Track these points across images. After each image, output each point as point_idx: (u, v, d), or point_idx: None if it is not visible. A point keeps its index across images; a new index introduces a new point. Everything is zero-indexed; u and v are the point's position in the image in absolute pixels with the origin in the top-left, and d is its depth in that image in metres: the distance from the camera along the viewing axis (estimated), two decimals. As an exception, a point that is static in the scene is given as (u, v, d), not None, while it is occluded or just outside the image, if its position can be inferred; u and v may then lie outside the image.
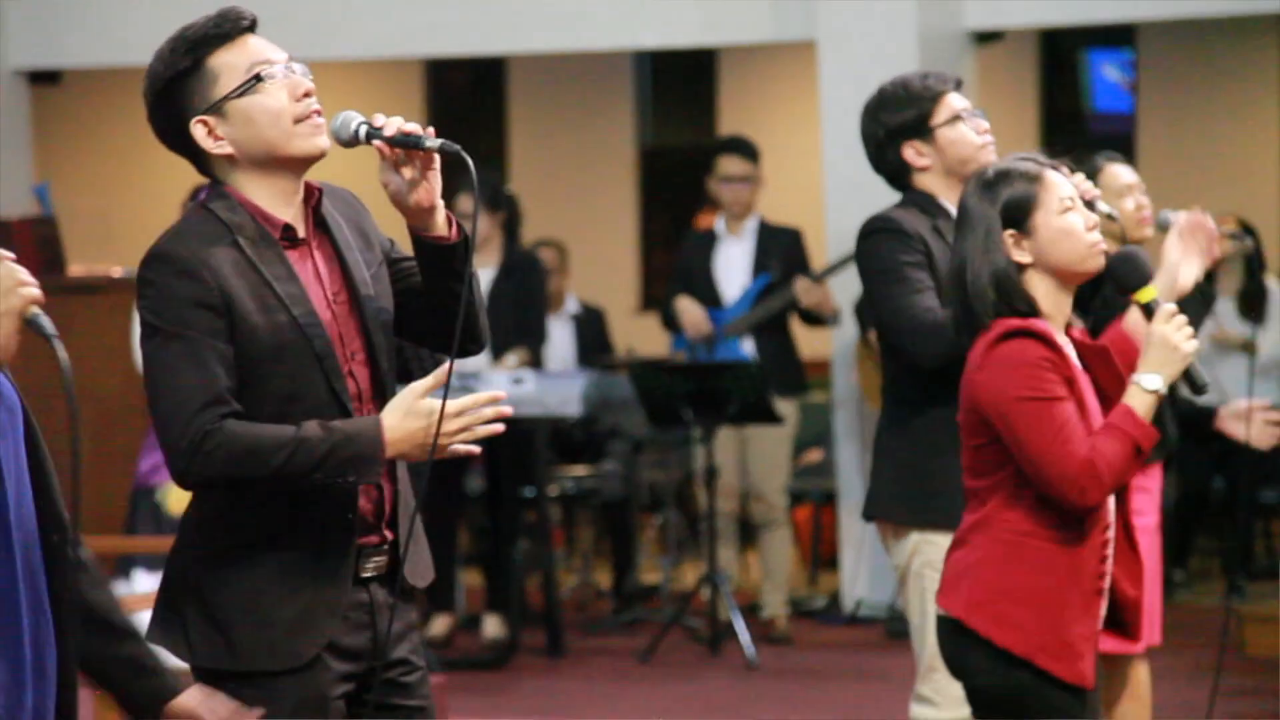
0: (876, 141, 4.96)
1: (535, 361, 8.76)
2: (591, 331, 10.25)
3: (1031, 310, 3.82)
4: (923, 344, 4.74)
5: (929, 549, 4.84)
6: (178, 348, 3.30)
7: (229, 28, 3.39)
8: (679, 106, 14.29)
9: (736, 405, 8.48)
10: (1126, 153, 12.89)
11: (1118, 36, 12.95)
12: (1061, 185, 3.86)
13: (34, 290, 2.80)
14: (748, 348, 9.01)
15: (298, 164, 3.42)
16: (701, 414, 8.54)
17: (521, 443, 8.65)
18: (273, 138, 3.37)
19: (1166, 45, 12.72)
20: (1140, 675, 5.33)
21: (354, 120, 3.41)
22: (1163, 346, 3.80)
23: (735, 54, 13.39)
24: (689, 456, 9.45)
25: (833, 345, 9.47)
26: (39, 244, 8.62)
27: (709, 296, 9.08)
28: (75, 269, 8.89)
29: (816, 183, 9.47)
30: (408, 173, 3.41)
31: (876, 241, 4.89)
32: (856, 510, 9.26)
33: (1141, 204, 5.42)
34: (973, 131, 4.93)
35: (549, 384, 8.57)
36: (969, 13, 9.30)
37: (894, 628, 8.90)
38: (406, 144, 3.38)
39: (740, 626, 8.42)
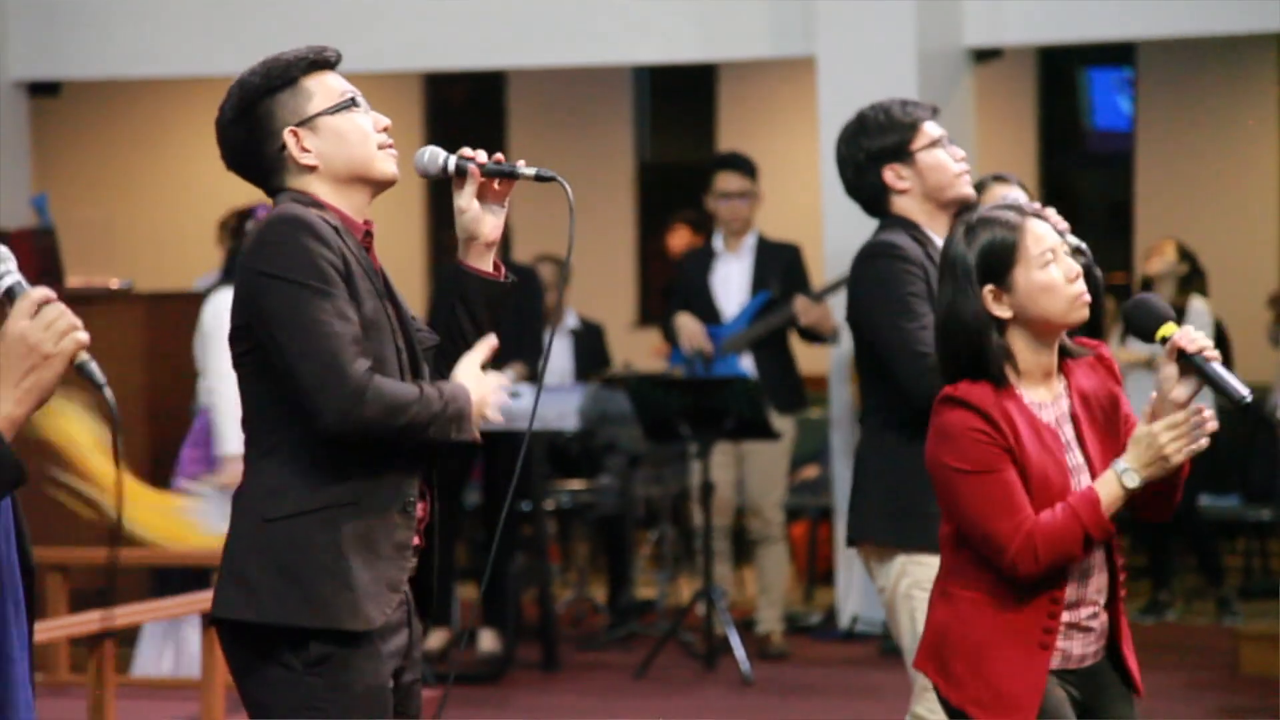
0: (856, 165, 4.99)
1: (532, 375, 8.76)
2: (590, 346, 10.25)
3: (999, 372, 3.77)
4: (923, 383, 4.75)
5: (916, 570, 4.85)
6: (322, 302, 3.45)
7: (324, 58, 3.65)
8: (678, 122, 14.30)
9: (733, 421, 8.48)
10: (1125, 170, 13.01)
11: (1117, 54, 12.97)
12: (1044, 236, 3.80)
13: (85, 335, 2.82)
14: (747, 364, 9.01)
15: (375, 185, 3.64)
16: (698, 429, 8.54)
17: (518, 457, 8.64)
18: (360, 155, 3.60)
19: (1165, 63, 12.73)
20: None
21: (441, 154, 3.68)
22: (1150, 448, 3.73)
23: (734, 69, 13.40)
24: (685, 472, 9.45)
25: (830, 361, 9.47)
26: (37, 255, 8.62)
27: (708, 313, 9.08)
28: (73, 280, 8.88)
29: (815, 199, 9.47)
30: (488, 199, 3.69)
31: (879, 267, 4.89)
32: (853, 526, 9.31)
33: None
34: (950, 159, 4.95)
35: (546, 398, 8.57)
36: (968, 30, 9.31)
37: (889, 644, 8.90)
38: (500, 172, 3.68)
39: (735, 642, 8.42)
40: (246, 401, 3.57)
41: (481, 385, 3.61)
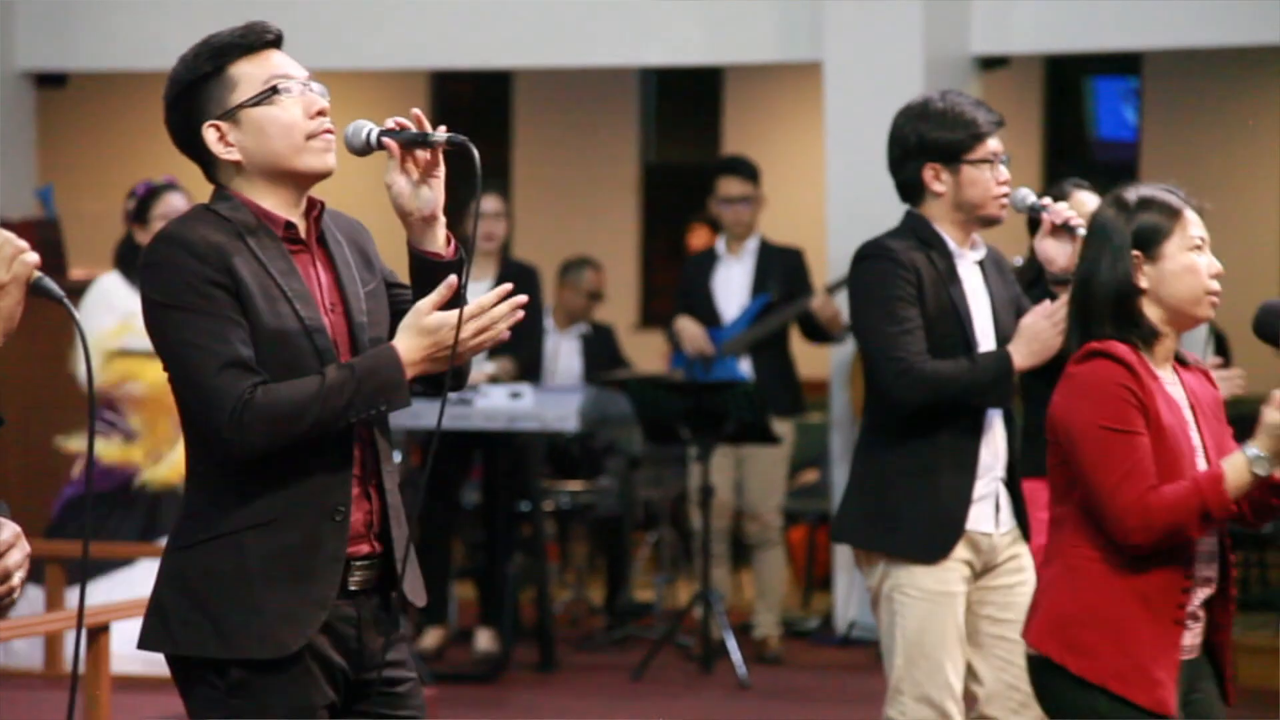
0: (905, 147, 4.94)
1: (524, 373, 8.75)
2: (601, 348, 10.23)
3: (1147, 331, 3.81)
4: (905, 389, 4.82)
5: (898, 573, 4.89)
6: (199, 323, 3.33)
7: (254, 39, 3.47)
8: (683, 124, 14.30)
9: (734, 424, 8.48)
10: (1129, 179, 12.95)
11: (1123, 64, 12.97)
12: (1195, 225, 3.87)
13: (34, 256, 2.84)
14: (745, 367, 9.01)
15: (303, 179, 3.47)
16: (699, 432, 8.54)
17: (518, 457, 8.67)
18: (281, 149, 3.43)
19: (1171, 74, 12.73)
20: None
21: (364, 127, 3.49)
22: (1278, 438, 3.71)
23: (741, 73, 13.40)
24: (685, 474, 9.45)
25: (830, 365, 9.47)
26: (41, 246, 8.55)
27: (708, 316, 9.09)
28: (77, 272, 8.89)
29: (819, 203, 9.47)
30: (412, 171, 3.47)
31: (870, 268, 4.90)
32: (851, 532, 9.31)
33: None
34: (994, 180, 4.93)
35: (546, 399, 8.57)
36: (975, 38, 9.31)
37: (886, 650, 8.91)
38: (414, 140, 3.46)
39: (732, 645, 8.42)
40: (180, 419, 3.48)
41: (424, 337, 3.39)
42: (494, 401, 8.42)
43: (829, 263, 9.20)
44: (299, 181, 3.46)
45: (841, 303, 8.97)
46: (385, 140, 3.46)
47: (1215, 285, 3.85)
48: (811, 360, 10.14)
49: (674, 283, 9.93)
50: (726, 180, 9.16)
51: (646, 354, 11.48)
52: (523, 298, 3.44)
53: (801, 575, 10.71)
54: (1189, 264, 3.83)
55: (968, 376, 4.84)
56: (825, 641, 9.35)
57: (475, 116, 14.13)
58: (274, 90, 3.44)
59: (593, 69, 11.85)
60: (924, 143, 4.90)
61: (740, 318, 9.05)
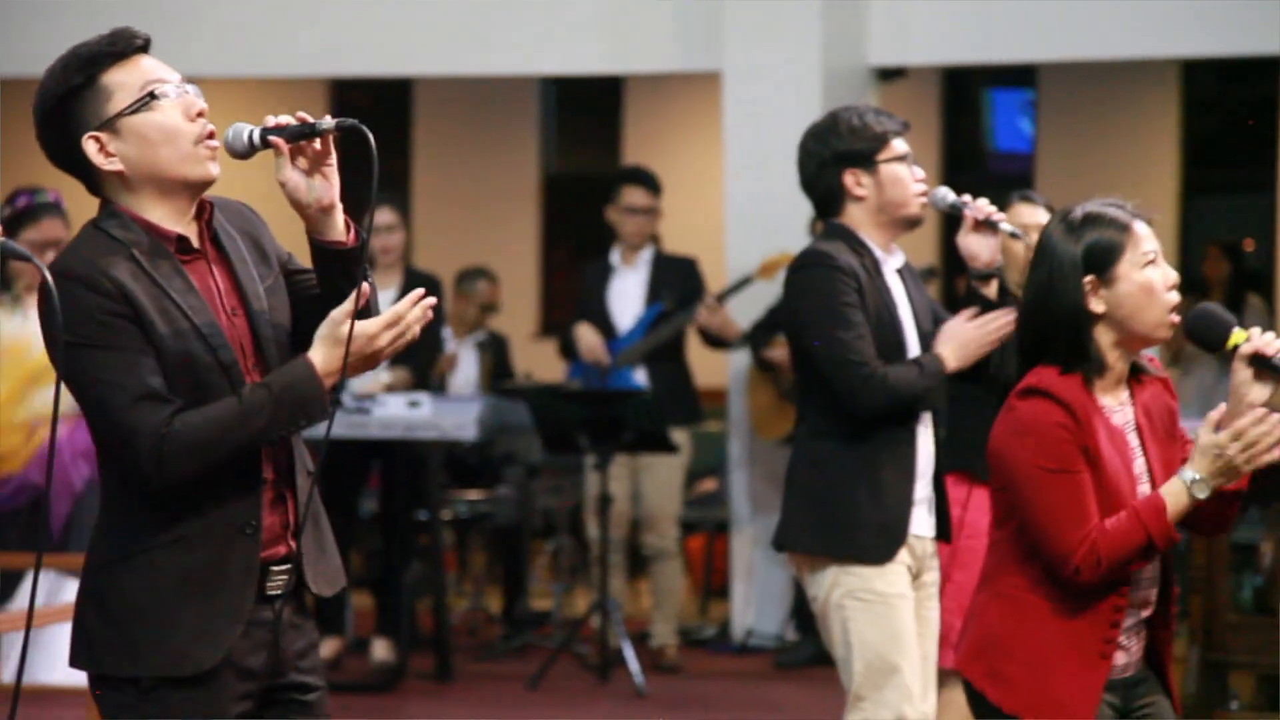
0: (819, 161, 4.98)
1: (420, 383, 8.73)
2: (495, 358, 10.23)
3: (1096, 363, 3.72)
4: (871, 396, 4.84)
5: (849, 580, 4.89)
6: (106, 358, 3.28)
7: (123, 46, 3.38)
8: (584, 134, 14.31)
9: (633, 433, 8.49)
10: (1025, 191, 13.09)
11: (1019, 76, 13.09)
12: (1147, 238, 3.76)
13: None
14: (641, 377, 9.02)
15: (191, 187, 3.40)
16: (597, 441, 8.54)
17: (416, 466, 8.64)
18: (167, 157, 3.36)
19: (1066, 86, 12.86)
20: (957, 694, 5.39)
21: (244, 129, 3.41)
22: (1219, 458, 3.66)
23: (641, 83, 13.43)
24: (583, 483, 9.45)
25: (728, 374, 9.50)
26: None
27: (603, 326, 9.09)
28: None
29: (718, 212, 9.50)
30: (304, 165, 3.41)
31: (812, 275, 4.92)
32: (748, 540, 9.36)
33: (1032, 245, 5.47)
34: (911, 178, 4.98)
35: (445, 407, 8.55)
36: (873, 50, 9.37)
37: (783, 659, 8.94)
38: (301, 133, 3.40)
39: (630, 654, 8.42)
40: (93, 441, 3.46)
41: (338, 345, 3.35)
42: (392, 410, 8.39)
43: (727, 272, 9.22)
44: (187, 189, 3.39)
45: (732, 310, 9.00)
46: (271, 138, 3.39)
47: (1175, 299, 3.75)
48: (709, 369, 10.17)
49: (574, 291, 9.93)
50: (629, 190, 9.16)
51: (546, 363, 11.48)
52: (433, 300, 3.41)
53: (699, 584, 10.73)
54: (1145, 283, 3.72)
55: (920, 380, 4.89)
56: (722, 650, 9.37)
57: (374, 125, 13.95)
58: (151, 95, 3.35)
59: (493, 78, 11.85)
60: (837, 153, 4.95)
61: (634, 328, 9.06)
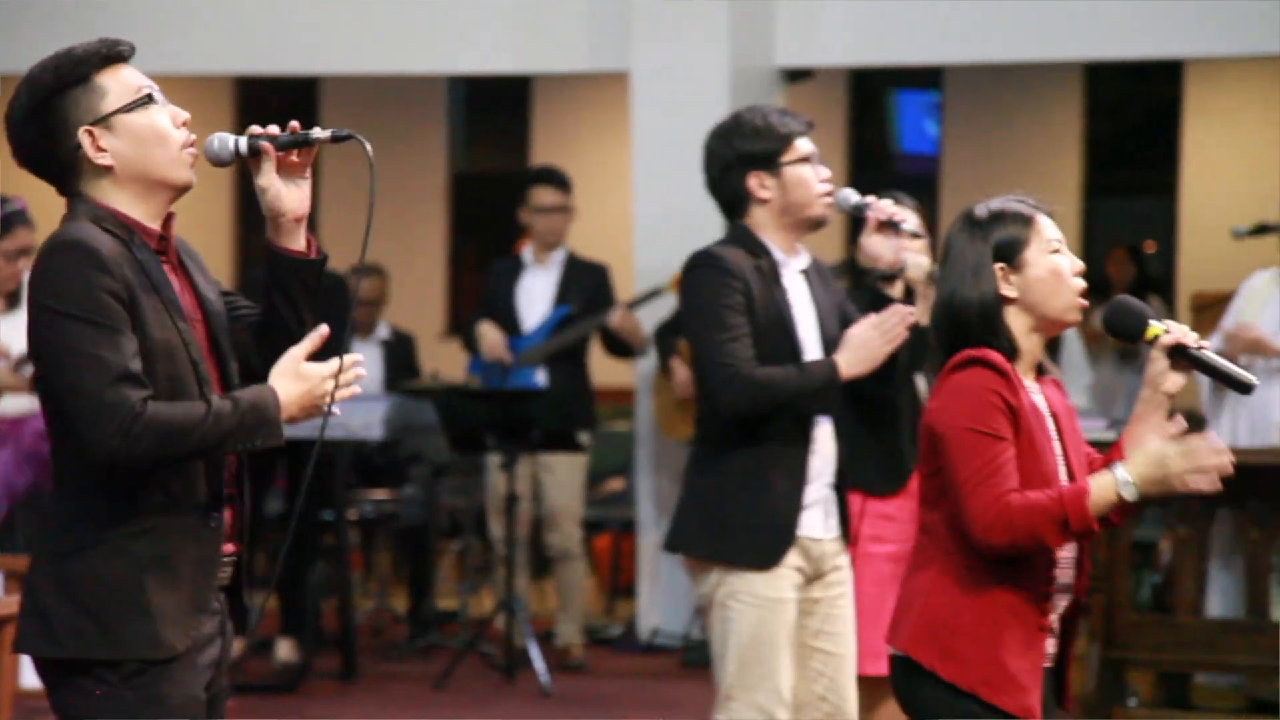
0: (724, 164, 4.99)
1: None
2: (401, 356, 10.20)
3: (1010, 345, 3.81)
4: (733, 395, 4.85)
5: (733, 580, 4.91)
6: (95, 334, 3.36)
7: (110, 51, 3.51)
8: (492, 133, 14.30)
9: (539, 433, 8.49)
10: (930, 192, 13.19)
11: (925, 78, 13.17)
12: (1050, 228, 3.87)
13: None
14: (541, 378, 9.01)
15: (174, 190, 3.52)
16: (504, 441, 8.54)
17: (321, 466, 8.61)
18: (159, 157, 3.49)
19: (971, 89, 12.95)
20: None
21: (230, 137, 3.57)
22: (1160, 467, 3.68)
23: (549, 82, 13.43)
24: (489, 483, 9.44)
25: (635, 375, 9.52)
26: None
27: (509, 323, 9.08)
28: None
29: (627, 213, 9.51)
30: (285, 173, 3.57)
31: (699, 276, 4.93)
32: (654, 539, 9.37)
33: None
34: (816, 178, 4.98)
35: (351, 407, 8.51)
36: (780, 50, 9.40)
37: (689, 657, 8.96)
38: (294, 142, 3.58)
39: (535, 654, 8.42)
40: (48, 427, 3.51)
41: (303, 380, 3.51)
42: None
43: (636, 272, 9.24)
44: (169, 192, 3.51)
45: (644, 317, 9.02)
46: (263, 144, 3.55)
47: (1081, 284, 3.85)
48: (616, 369, 10.18)
49: (481, 291, 9.90)
50: (540, 190, 9.16)
51: (453, 362, 11.46)
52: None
53: (606, 583, 10.74)
54: (1053, 267, 3.82)
55: (794, 382, 4.88)
56: (628, 649, 9.38)
57: (281, 123, 14.01)
58: (149, 99, 3.49)
59: (401, 76, 11.81)
60: (741, 155, 4.96)
61: (539, 328, 9.05)
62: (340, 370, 3.54)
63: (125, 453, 3.35)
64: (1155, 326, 3.78)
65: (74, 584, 3.41)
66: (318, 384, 3.52)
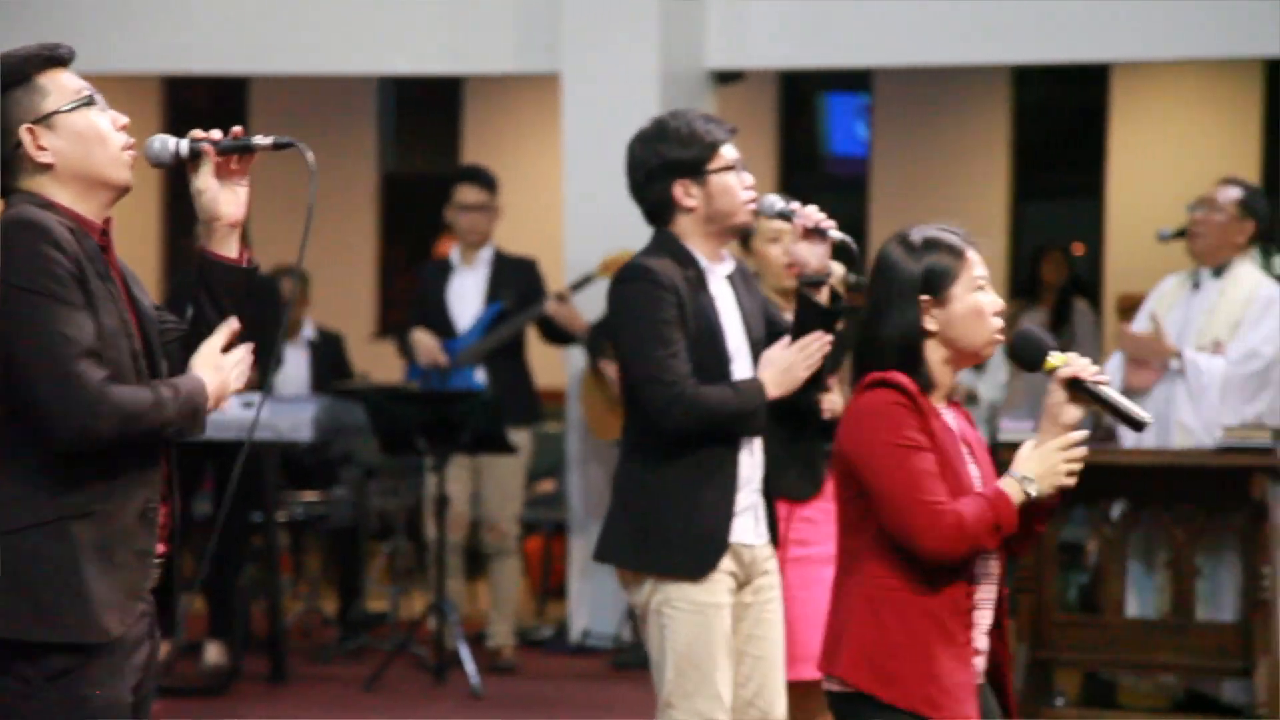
0: (648, 170, 4.97)
1: (259, 385, 8.66)
2: (328, 357, 10.17)
3: (925, 377, 3.86)
4: (678, 416, 4.83)
5: (666, 588, 4.90)
6: (61, 311, 3.40)
7: (51, 55, 3.57)
8: (422, 134, 14.28)
9: (470, 434, 8.48)
10: (859, 193, 13.25)
11: (855, 81, 13.22)
12: (978, 264, 3.93)
13: None
14: (481, 377, 9.01)
15: (111, 190, 3.56)
16: (435, 443, 8.52)
17: (250, 467, 8.57)
18: (100, 157, 3.54)
19: (901, 92, 13.00)
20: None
21: (170, 140, 3.63)
22: (1045, 462, 3.82)
23: (480, 84, 13.42)
24: (421, 485, 9.42)
25: (566, 375, 9.52)
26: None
27: (442, 326, 9.07)
28: None
29: (557, 213, 9.52)
30: (224, 181, 3.64)
31: (632, 291, 4.91)
32: (586, 540, 9.37)
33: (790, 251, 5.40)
34: (740, 186, 4.98)
35: (280, 408, 8.50)
36: (710, 52, 9.42)
37: (620, 659, 8.97)
38: (236, 148, 3.65)
39: (466, 655, 8.41)
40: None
41: (219, 371, 3.58)
42: (227, 412, 8.28)
43: (566, 272, 9.24)
44: (108, 192, 3.56)
45: (580, 302, 9.01)
46: (204, 147, 3.60)
47: (999, 323, 3.93)
48: (549, 370, 10.17)
49: (412, 292, 9.89)
50: (463, 188, 9.15)
51: (384, 363, 11.44)
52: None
53: (537, 584, 10.74)
54: (976, 306, 3.88)
55: (733, 404, 4.89)
56: (559, 650, 9.38)
57: (210, 124, 13.94)
58: (90, 100, 3.55)
59: (331, 77, 11.78)
60: (666, 162, 4.94)
61: (474, 327, 9.04)
62: (236, 362, 3.61)
63: (91, 431, 3.38)
64: (1054, 359, 3.87)
65: (11, 563, 3.42)
66: (230, 374, 3.60)
